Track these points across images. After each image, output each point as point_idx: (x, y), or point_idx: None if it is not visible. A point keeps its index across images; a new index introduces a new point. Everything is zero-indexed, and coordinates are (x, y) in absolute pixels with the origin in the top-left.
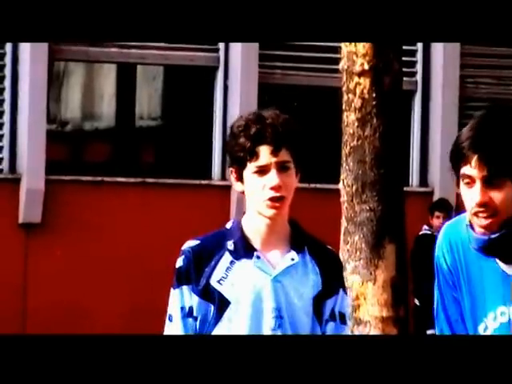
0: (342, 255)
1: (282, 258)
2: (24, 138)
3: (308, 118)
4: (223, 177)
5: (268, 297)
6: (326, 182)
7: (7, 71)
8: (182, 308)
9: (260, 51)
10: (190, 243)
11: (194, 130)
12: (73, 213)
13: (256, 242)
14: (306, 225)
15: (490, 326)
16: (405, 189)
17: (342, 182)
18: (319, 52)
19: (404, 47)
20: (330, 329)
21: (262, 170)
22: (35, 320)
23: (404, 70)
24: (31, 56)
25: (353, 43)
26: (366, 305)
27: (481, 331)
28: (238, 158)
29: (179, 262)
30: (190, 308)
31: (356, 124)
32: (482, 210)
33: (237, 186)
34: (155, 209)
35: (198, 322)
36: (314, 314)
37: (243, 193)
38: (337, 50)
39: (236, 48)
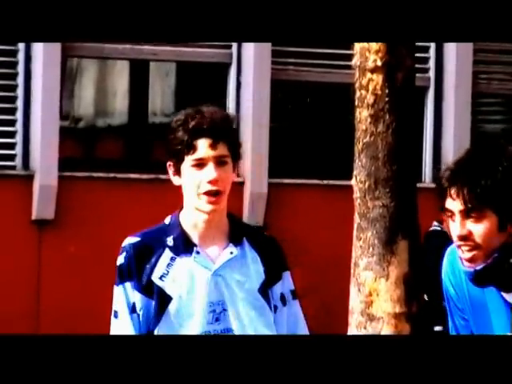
0: (355, 251)
1: (221, 253)
2: (37, 135)
3: (320, 114)
4: (238, 174)
5: (208, 292)
6: (339, 178)
7: (20, 68)
8: (127, 304)
9: (273, 47)
10: (131, 240)
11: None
12: (86, 209)
13: (195, 238)
14: (318, 221)
15: None
16: (418, 185)
17: (354, 178)
18: (332, 48)
19: (417, 43)
20: (285, 313)
21: (200, 164)
22: (49, 317)
23: (417, 66)
24: (44, 53)
25: None
26: (378, 301)
27: None
28: (176, 151)
29: (120, 259)
30: (134, 304)
31: (369, 120)
32: (462, 243)
33: (174, 180)
34: (168, 205)
35: (140, 318)
36: (265, 302)
37: (181, 187)
38: (349, 46)
39: (249, 44)
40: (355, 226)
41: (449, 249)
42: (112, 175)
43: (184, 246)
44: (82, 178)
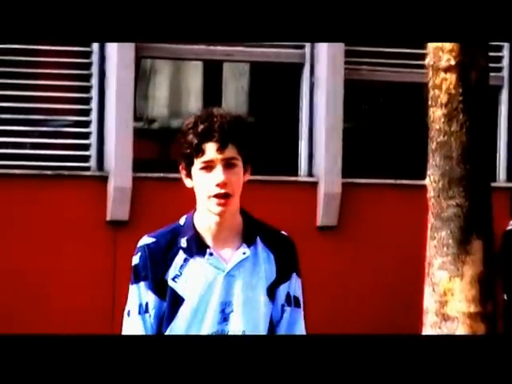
0: (429, 251)
1: (234, 253)
2: (111, 136)
3: (394, 113)
4: (310, 173)
5: (220, 293)
6: (413, 178)
7: (94, 69)
8: (140, 304)
9: (346, 47)
10: (146, 240)
11: (280, 127)
12: (160, 210)
13: (208, 239)
14: (392, 221)
15: None
16: (492, 184)
17: (428, 177)
18: (405, 47)
19: (490, 42)
20: (287, 315)
21: (209, 167)
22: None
23: (490, 65)
24: (118, 54)
25: None
26: (453, 301)
27: None
28: (186, 154)
29: (135, 260)
30: (147, 304)
31: (442, 120)
32: None
33: (187, 183)
34: (244, 205)
35: (152, 319)
36: (270, 301)
37: (193, 189)
38: (422, 45)
39: (322, 44)
40: (429, 225)
41: None
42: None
43: (197, 247)
44: (156, 179)
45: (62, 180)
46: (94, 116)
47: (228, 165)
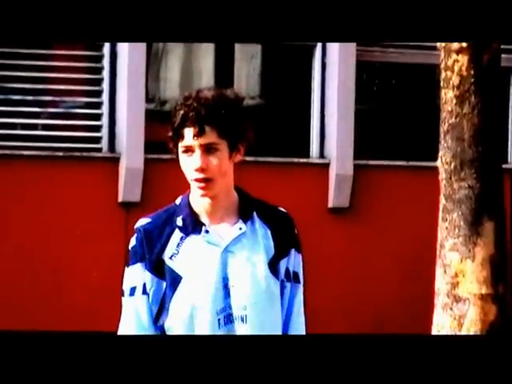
0: (441, 233)
1: (231, 229)
2: (123, 117)
3: (405, 95)
4: (322, 155)
5: (219, 268)
6: (424, 159)
7: (106, 51)
8: (138, 285)
9: None
10: (142, 221)
11: (292, 109)
12: (172, 191)
13: (203, 217)
14: (404, 202)
15: None
16: (503, 166)
17: (440, 159)
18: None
19: None
20: (287, 290)
21: (189, 151)
22: None
23: (502, 47)
24: None
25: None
26: (465, 282)
27: None
28: (171, 137)
29: (132, 241)
30: (144, 284)
31: (454, 101)
32: None
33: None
34: (254, 187)
35: (150, 299)
36: (273, 276)
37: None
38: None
39: None
40: (441, 207)
41: None
42: None
43: (193, 225)
44: (168, 160)
45: (73, 161)
46: (105, 97)
47: (207, 149)
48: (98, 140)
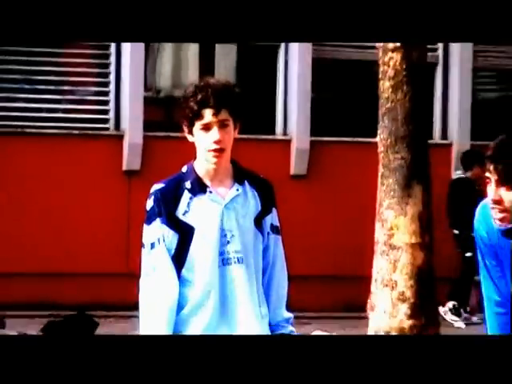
0: (379, 195)
1: (229, 191)
2: (126, 103)
3: (352, 85)
4: (284, 133)
5: (221, 220)
6: (367, 136)
7: (112, 49)
8: (158, 238)
9: None
10: (157, 186)
11: (261, 96)
12: (165, 162)
13: (207, 181)
14: (350, 170)
15: None
16: (429, 141)
17: (379, 136)
18: None
19: None
20: (272, 239)
21: (207, 128)
22: (137, 256)
23: (428, 46)
24: None
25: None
26: (398, 234)
27: None
28: (189, 117)
29: (150, 203)
30: (163, 236)
31: (390, 90)
32: (495, 206)
33: (189, 138)
34: (232, 158)
35: (166, 247)
36: (257, 229)
37: (193, 143)
38: None
39: None
40: (379, 174)
41: (481, 203)
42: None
43: (199, 187)
44: (162, 137)
45: (86, 138)
46: (112, 87)
47: (222, 125)
48: (106, 121)
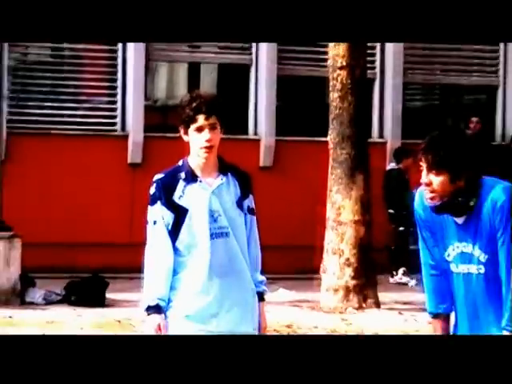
0: (330, 182)
1: (215, 180)
2: (130, 110)
3: (309, 95)
4: (255, 133)
5: (209, 203)
6: (320, 136)
7: (119, 67)
8: (158, 217)
9: (279, 53)
10: (158, 176)
11: (236, 104)
12: (162, 156)
13: (198, 172)
14: (308, 163)
15: (451, 254)
16: (368, 140)
17: (329, 136)
18: (316, 52)
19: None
20: (249, 219)
21: (200, 129)
22: (139, 229)
23: (367, 65)
24: (134, 56)
25: (336, 47)
26: (344, 212)
27: (446, 257)
28: (185, 121)
29: (152, 189)
30: (162, 216)
31: (338, 100)
32: (426, 188)
33: (184, 138)
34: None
35: (165, 225)
36: (238, 210)
37: (187, 143)
38: (326, 53)
39: (262, 52)
40: (330, 166)
41: (419, 190)
42: (178, 135)
43: (191, 177)
44: (158, 137)
45: (99, 137)
46: (119, 97)
47: (212, 128)
48: (114, 124)
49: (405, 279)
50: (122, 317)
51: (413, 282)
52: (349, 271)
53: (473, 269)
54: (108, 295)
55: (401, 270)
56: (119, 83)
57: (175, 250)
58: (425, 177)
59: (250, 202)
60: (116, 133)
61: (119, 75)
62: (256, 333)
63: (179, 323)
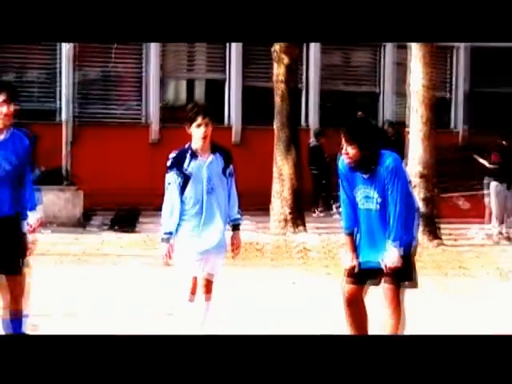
0: (275, 153)
1: (209, 157)
2: (151, 108)
3: (264, 98)
4: (229, 123)
5: (205, 173)
6: (270, 125)
7: (143, 79)
8: (173, 180)
9: (244, 70)
10: (172, 154)
11: (217, 94)
12: (176, 138)
13: (198, 152)
14: (261, 142)
15: (358, 196)
16: (298, 127)
17: (275, 124)
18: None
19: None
20: (230, 182)
21: (199, 126)
22: (157, 183)
23: (298, 80)
24: (153, 72)
25: (278, 68)
26: (284, 171)
27: (356, 197)
28: (189, 120)
29: (169, 162)
30: (174, 180)
31: (279, 102)
32: (345, 155)
33: (188, 131)
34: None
35: (177, 187)
36: (223, 176)
37: (191, 133)
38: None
39: (233, 67)
40: (275, 144)
41: (342, 155)
42: (183, 126)
43: (194, 155)
44: (171, 127)
45: (130, 126)
46: (143, 100)
47: (206, 125)
48: (140, 117)
49: (331, 212)
50: (147, 239)
51: (334, 210)
52: (287, 210)
53: (372, 206)
54: (137, 225)
55: (319, 208)
56: (143, 92)
57: (182, 201)
58: (345, 148)
59: (230, 170)
60: (141, 123)
61: (143, 85)
62: (224, 244)
63: (183, 239)
